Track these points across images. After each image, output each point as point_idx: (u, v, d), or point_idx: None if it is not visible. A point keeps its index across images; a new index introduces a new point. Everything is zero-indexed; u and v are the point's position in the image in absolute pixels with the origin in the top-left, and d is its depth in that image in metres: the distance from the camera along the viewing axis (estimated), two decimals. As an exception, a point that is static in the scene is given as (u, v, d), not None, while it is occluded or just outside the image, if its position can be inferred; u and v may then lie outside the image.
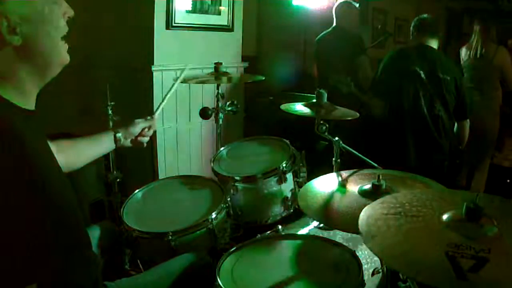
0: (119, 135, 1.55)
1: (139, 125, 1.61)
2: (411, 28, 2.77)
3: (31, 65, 0.95)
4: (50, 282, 0.89)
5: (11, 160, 0.83)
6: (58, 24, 0.98)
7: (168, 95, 1.77)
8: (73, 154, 1.44)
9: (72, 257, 0.97)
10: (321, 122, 1.86)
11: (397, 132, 2.64)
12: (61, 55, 1.00)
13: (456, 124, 2.75)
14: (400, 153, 2.62)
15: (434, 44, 2.69)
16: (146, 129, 1.63)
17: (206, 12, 3.11)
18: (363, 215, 1.07)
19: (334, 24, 3.56)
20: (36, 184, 0.86)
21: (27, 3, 0.92)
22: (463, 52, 3.42)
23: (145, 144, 1.64)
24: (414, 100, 2.56)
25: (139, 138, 1.62)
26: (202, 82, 2.24)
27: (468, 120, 2.74)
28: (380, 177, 1.46)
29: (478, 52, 3.28)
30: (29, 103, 0.98)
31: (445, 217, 1.02)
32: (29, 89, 0.97)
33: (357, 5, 3.60)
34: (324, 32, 3.59)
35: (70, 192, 1.01)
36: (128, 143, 1.60)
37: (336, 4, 3.60)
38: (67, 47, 1.01)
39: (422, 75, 2.55)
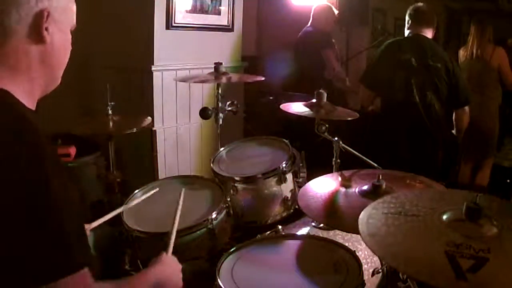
0: None
1: None
2: (407, 17, 2.72)
3: (43, 71, 0.96)
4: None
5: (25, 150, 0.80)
6: (69, 36, 1.00)
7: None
8: None
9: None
10: (321, 122, 1.87)
11: (390, 121, 2.62)
12: (61, 72, 1.01)
13: (454, 113, 2.71)
14: (392, 142, 2.59)
15: (428, 34, 2.65)
16: None
17: (206, 12, 3.12)
18: (363, 214, 1.07)
19: (309, 24, 3.66)
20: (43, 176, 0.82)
21: (69, 10, 0.96)
22: (461, 53, 3.40)
23: None
24: (406, 88, 2.54)
25: None
26: (202, 82, 2.24)
27: (465, 109, 2.68)
28: (380, 177, 1.46)
29: (474, 52, 3.26)
30: (33, 106, 0.97)
31: (445, 216, 1.02)
32: (35, 93, 0.97)
33: (336, 12, 3.71)
34: (300, 34, 3.73)
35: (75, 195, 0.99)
36: None
37: (316, 5, 3.66)
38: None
39: (414, 63, 2.53)
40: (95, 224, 1.47)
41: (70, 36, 1.00)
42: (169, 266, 1.15)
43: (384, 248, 0.94)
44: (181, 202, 1.46)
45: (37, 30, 0.90)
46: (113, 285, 0.97)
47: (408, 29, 2.70)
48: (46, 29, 0.91)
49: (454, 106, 2.68)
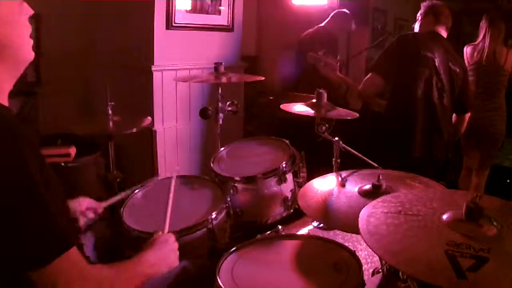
0: None
1: (84, 203, 1.50)
2: (422, 12, 2.61)
3: (2, 63, 0.94)
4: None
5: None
6: (25, 23, 0.96)
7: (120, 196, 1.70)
8: None
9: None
10: (321, 122, 1.87)
11: (403, 117, 2.51)
12: (28, 52, 0.98)
13: (456, 117, 2.67)
14: (406, 140, 2.50)
15: (444, 34, 2.58)
16: (91, 211, 1.52)
17: (206, 12, 3.12)
18: (363, 213, 1.07)
19: (323, 24, 3.65)
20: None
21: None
22: (468, 52, 3.15)
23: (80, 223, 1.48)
24: (426, 86, 2.45)
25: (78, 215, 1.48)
26: (202, 82, 2.24)
27: (468, 115, 2.66)
28: (380, 177, 1.46)
29: (490, 55, 3.02)
30: (4, 101, 0.96)
31: (445, 216, 1.02)
32: (4, 86, 0.95)
33: (354, 26, 3.72)
34: (307, 32, 3.70)
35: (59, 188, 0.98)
36: None
37: (337, 10, 3.66)
38: (32, 43, 0.99)
39: (436, 63, 2.46)
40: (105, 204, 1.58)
41: (23, 27, 0.96)
42: (166, 244, 1.17)
43: (384, 247, 0.94)
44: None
45: None
46: (111, 268, 0.97)
47: (422, 25, 2.60)
48: None
49: (459, 111, 2.64)
